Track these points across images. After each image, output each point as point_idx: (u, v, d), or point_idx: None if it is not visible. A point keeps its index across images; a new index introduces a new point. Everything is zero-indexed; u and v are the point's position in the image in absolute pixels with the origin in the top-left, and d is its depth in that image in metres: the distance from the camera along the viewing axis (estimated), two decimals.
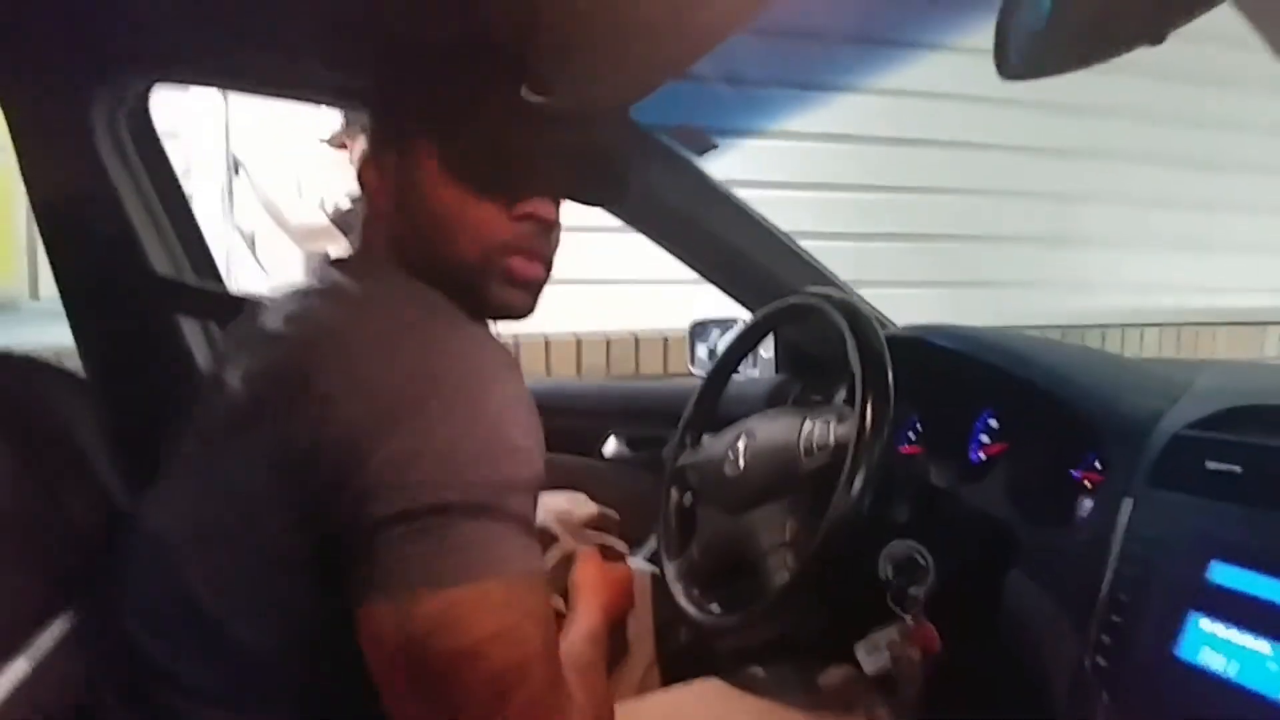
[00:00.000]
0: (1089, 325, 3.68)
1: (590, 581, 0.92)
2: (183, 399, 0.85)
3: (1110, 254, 3.61)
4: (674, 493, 1.14)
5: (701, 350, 1.71)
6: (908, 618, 0.85)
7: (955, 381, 1.09)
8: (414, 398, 0.59)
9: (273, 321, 0.71)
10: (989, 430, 1.07)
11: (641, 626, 1.11)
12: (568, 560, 0.99)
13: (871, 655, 0.86)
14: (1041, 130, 3.36)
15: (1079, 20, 0.49)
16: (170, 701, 0.67)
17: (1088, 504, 0.87)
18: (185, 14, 0.94)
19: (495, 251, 0.74)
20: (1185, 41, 0.51)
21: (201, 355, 1.24)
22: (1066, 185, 3.51)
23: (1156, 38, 0.43)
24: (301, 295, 0.73)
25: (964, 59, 2.92)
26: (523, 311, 0.78)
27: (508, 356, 0.66)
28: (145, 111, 1.25)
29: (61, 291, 1.20)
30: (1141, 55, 0.51)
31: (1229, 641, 0.61)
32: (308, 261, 0.72)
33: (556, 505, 1.09)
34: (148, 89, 1.22)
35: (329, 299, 0.71)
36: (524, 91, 0.77)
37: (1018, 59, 0.58)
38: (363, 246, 0.79)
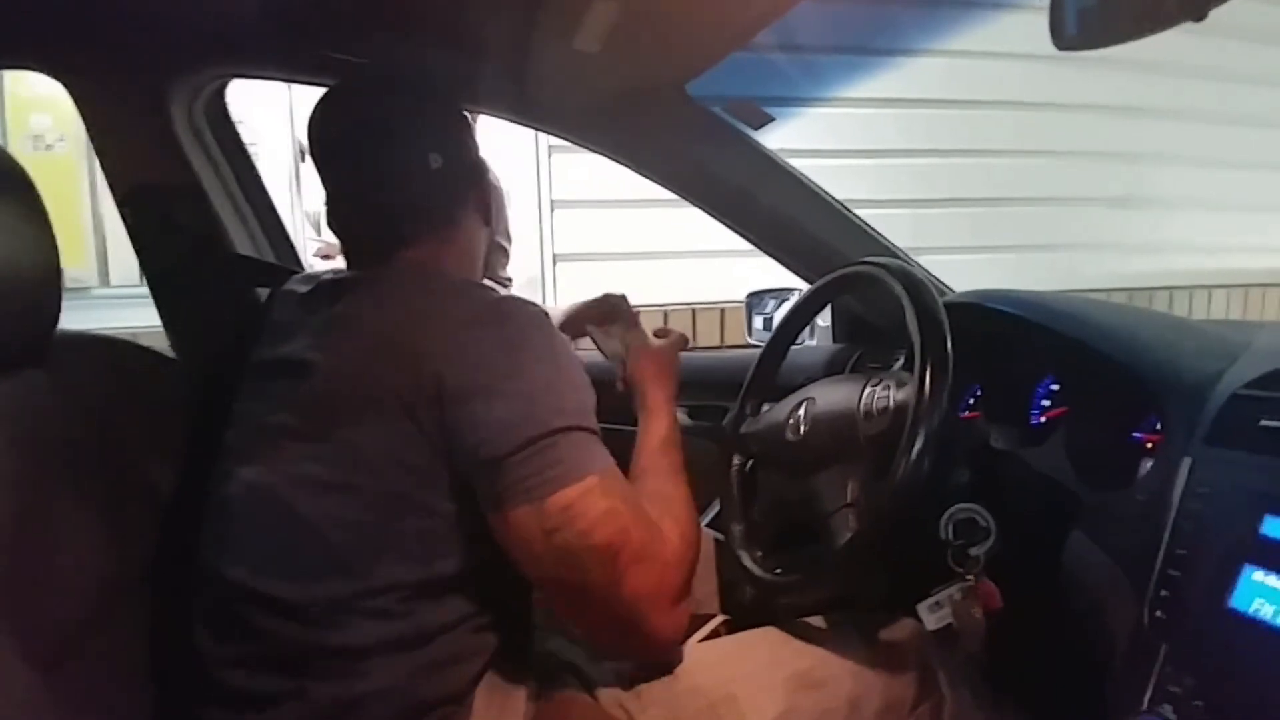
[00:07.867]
0: (1156, 287, 3.59)
1: (650, 375, 1.11)
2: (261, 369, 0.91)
3: (1177, 215, 3.51)
4: (735, 459, 1.18)
5: (758, 320, 1.73)
6: (969, 577, 0.88)
7: (1014, 346, 1.10)
8: (513, 359, 0.79)
9: (361, 306, 0.87)
10: (1050, 394, 1.07)
11: (708, 589, 1.15)
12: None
13: (934, 613, 0.89)
14: (1106, 89, 3.27)
15: None
16: (274, 627, 0.79)
17: (1148, 465, 0.87)
18: (257, 9, 0.97)
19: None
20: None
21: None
22: (1133, 145, 3.41)
23: (1199, 14, 0.45)
24: (379, 286, 0.88)
25: (1021, 16, 2.86)
26: None
27: (542, 310, 0.85)
28: (221, 101, 1.30)
29: (147, 275, 1.25)
30: (1211, 12, 0.52)
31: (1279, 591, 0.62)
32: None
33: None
34: (224, 82, 1.26)
35: (420, 291, 0.87)
36: None
37: (1073, 30, 0.59)
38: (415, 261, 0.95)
